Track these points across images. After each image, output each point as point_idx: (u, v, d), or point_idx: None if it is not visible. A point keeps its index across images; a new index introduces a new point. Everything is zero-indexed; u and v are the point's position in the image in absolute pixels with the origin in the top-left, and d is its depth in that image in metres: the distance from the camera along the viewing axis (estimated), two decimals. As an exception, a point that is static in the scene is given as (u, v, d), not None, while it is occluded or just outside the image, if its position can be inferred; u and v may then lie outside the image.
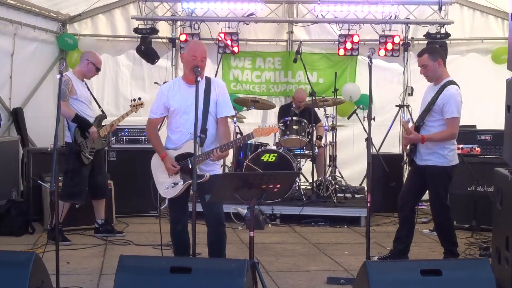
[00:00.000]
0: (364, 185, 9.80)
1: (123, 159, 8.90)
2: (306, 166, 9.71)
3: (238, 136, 8.80)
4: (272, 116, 10.43)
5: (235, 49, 10.50)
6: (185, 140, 5.31)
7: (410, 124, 6.43)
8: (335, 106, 9.75)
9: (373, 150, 8.15)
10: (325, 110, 9.51)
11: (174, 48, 10.80)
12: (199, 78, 5.05)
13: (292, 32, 11.10)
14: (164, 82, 9.07)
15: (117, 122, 7.56)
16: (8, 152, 8.39)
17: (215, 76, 9.34)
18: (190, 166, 5.17)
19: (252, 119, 10.55)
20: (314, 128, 9.35)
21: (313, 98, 9.13)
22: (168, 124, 5.52)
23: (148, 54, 10.40)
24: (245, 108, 9.65)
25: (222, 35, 10.47)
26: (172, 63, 10.86)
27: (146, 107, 7.21)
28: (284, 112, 9.84)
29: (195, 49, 5.34)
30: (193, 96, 4.99)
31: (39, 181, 7.96)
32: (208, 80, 5.40)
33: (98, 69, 7.46)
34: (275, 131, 5.45)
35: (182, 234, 5.48)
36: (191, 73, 5.18)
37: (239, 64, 11.15)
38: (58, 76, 5.25)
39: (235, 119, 8.96)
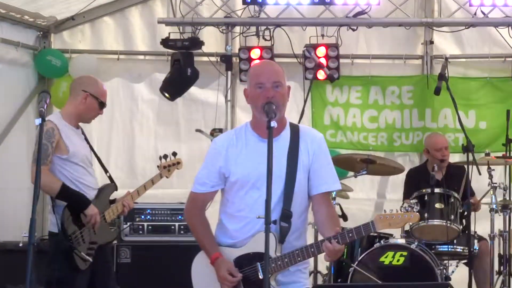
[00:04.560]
0: None
1: (142, 260, 7.55)
2: (460, 272, 7.68)
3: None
4: (398, 186, 8.02)
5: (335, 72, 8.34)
6: (253, 233, 4.11)
7: None
8: (508, 169, 7.87)
9: None
10: (490, 176, 7.48)
11: (229, 72, 8.40)
12: (273, 123, 3.82)
13: (431, 42, 8.67)
14: (214, 130, 8.27)
15: (135, 196, 6.26)
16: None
17: (301, 118, 7.98)
18: (261, 277, 4.13)
19: (363, 193, 8.50)
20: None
21: (469, 154, 7.25)
22: (224, 203, 4.29)
23: (184, 81, 8.09)
24: (351, 174, 7.83)
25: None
26: (226, 96, 8.47)
27: (184, 171, 6.47)
28: (415, 179, 7.87)
29: (258, 73, 4.17)
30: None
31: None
32: (295, 130, 4.20)
33: (102, 105, 6.16)
34: (415, 220, 4.12)
35: None
36: (261, 114, 3.96)
37: (341, 98, 8.70)
38: (38, 121, 4.22)
39: (334, 193, 7.17)
